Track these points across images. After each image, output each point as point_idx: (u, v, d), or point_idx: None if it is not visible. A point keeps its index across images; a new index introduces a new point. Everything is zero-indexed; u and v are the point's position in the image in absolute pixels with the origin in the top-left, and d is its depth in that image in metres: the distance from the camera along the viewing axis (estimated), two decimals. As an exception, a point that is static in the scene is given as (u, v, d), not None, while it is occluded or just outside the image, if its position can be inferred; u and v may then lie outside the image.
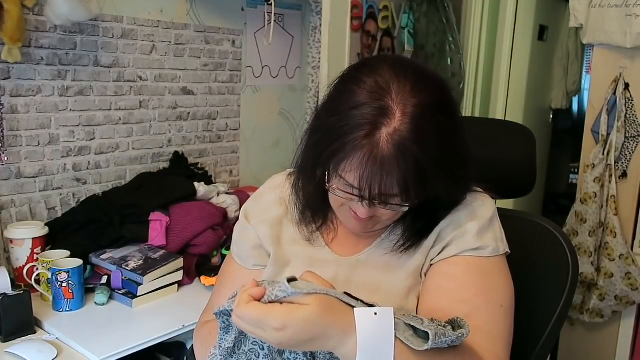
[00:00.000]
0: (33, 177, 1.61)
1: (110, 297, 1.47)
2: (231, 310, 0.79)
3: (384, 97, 0.82)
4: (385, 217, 0.89)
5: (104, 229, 1.58)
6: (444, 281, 0.91)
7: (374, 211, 0.87)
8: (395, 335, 0.73)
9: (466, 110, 2.66)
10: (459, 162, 0.90)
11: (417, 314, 0.91)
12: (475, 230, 0.92)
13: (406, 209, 0.87)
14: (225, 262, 1.13)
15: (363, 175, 0.81)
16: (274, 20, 2.03)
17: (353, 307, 0.75)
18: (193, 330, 1.37)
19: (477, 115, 2.67)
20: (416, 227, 0.94)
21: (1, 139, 1.52)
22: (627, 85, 2.04)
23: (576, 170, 2.78)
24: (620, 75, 2.05)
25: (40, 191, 1.63)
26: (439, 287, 0.91)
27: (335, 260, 0.98)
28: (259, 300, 0.75)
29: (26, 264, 1.45)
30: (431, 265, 0.93)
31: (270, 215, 1.04)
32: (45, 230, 1.50)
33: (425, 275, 0.93)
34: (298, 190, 1.00)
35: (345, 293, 0.77)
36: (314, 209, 0.99)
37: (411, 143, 0.80)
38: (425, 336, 0.74)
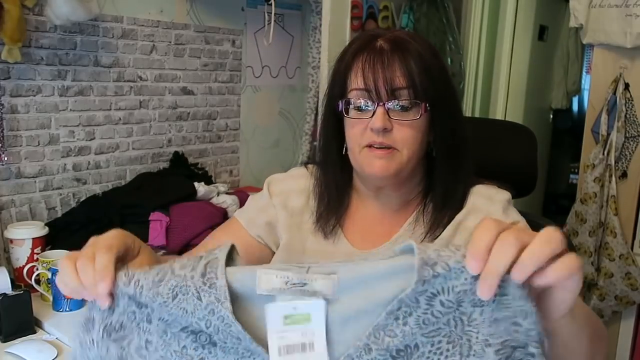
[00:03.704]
0: (33, 177, 1.61)
1: (110, 297, 1.47)
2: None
3: (378, 30, 0.95)
4: (401, 134, 0.89)
5: (104, 229, 1.56)
6: None
7: (389, 123, 0.88)
8: None
9: (466, 110, 2.66)
10: (456, 100, 0.97)
11: None
12: (500, 211, 0.94)
13: (418, 111, 0.89)
14: (227, 221, 1.12)
15: (368, 71, 0.88)
16: (274, 20, 2.03)
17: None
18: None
19: (477, 115, 2.67)
20: (437, 219, 0.95)
21: (1, 139, 1.52)
22: (627, 85, 2.04)
23: (576, 170, 2.78)
24: (620, 75, 2.05)
25: (40, 191, 1.63)
26: None
27: (353, 253, 0.98)
28: None
29: (26, 264, 1.44)
30: None
31: (291, 204, 1.03)
32: (45, 230, 1.49)
33: None
34: (322, 177, 1.01)
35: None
36: (336, 193, 0.99)
37: (407, 39, 0.91)
38: None
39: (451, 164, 0.95)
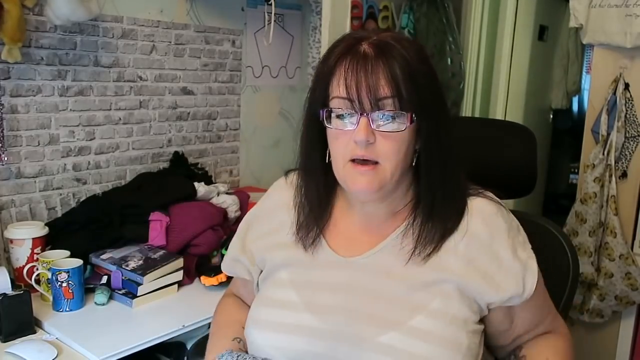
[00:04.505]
0: (33, 177, 1.61)
1: (110, 297, 1.47)
2: None
3: (362, 33, 0.89)
4: (385, 147, 0.86)
5: (104, 229, 1.58)
6: (524, 313, 0.96)
7: (373, 135, 0.85)
8: None
9: (466, 110, 2.66)
10: (444, 107, 0.92)
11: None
12: (508, 250, 0.92)
13: (403, 122, 0.85)
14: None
15: (350, 79, 0.84)
16: (274, 20, 2.03)
17: None
18: (193, 330, 1.38)
19: (477, 115, 2.67)
20: (426, 232, 0.92)
21: (1, 139, 1.52)
22: (627, 85, 2.04)
23: (576, 170, 2.78)
24: (620, 75, 2.05)
25: (40, 191, 1.63)
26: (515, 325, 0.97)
27: (337, 261, 0.96)
28: None
29: (26, 264, 1.45)
30: (489, 309, 0.93)
31: (271, 223, 1.04)
32: (45, 230, 1.50)
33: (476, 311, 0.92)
34: (303, 186, 0.99)
35: None
36: (319, 202, 0.98)
37: (393, 43, 0.85)
38: None
39: (438, 174, 0.91)
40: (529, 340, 0.99)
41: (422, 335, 0.87)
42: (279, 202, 1.04)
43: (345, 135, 0.87)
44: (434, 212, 0.92)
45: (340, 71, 0.86)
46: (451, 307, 0.89)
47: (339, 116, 0.87)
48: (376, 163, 0.86)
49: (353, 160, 0.87)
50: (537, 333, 0.99)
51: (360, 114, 0.84)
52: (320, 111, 0.88)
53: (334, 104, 0.87)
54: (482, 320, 0.93)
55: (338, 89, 0.86)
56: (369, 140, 0.84)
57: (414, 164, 0.91)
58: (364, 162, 0.86)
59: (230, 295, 1.18)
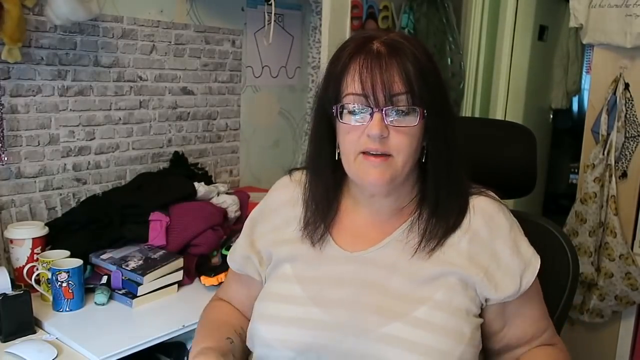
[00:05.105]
0: (33, 177, 1.61)
1: (110, 297, 1.47)
2: None
3: (370, 32, 0.91)
4: (397, 141, 0.88)
5: (104, 229, 1.58)
6: (517, 319, 0.97)
7: (386, 129, 0.87)
8: None
9: (466, 110, 2.66)
10: (450, 105, 0.95)
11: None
12: (507, 249, 0.93)
13: (415, 117, 0.88)
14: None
15: (365, 76, 0.86)
16: (274, 20, 2.03)
17: None
18: (193, 330, 1.38)
19: (477, 115, 2.67)
20: (431, 228, 0.93)
21: (1, 139, 1.52)
22: (627, 85, 2.04)
23: (576, 170, 2.78)
24: (620, 75, 2.05)
25: (40, 191, 1.63)
26: (514, 325, 0.97)
27: (344, 256, 0.97)
28: None
29: (26, 264, 1.45)
30: (486, 302, 0.93)
31: (276, 220, 1.05)
32: (45, 230, 1.50)
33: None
34: (311, 183, 1.01)
35: None
36: (327, 199, 0.99)
37: (403, 41, 0.89)
38: None
39: (444, 171, 0.94)
40: (524, 353, 0.99)
41: (425, 325, 0.89)
42: (283, 199, 1.06)
43: (357, 129, 0.89)
44: (439, 209, 0.94)
45: (354, 68, 0.88)
46: (455, 298, 0.91)
47: (351, 112, 0.89)
48: (387, 155, 0.89)
49: (364, 153, 0.89)
50: (532, 346, 0.99)
51: (374, 109, 0.87)
52: (334, 107, 0.91)
53: (347, 100, 0.89)
54: (480, 315, 0.94)
55: (353, 85, 0.88)
56: (383, 135, 0.87)
57: (422, 160, 0.94)
58: (375, 154, 0.89)
59: (220, 300, 1.17)
